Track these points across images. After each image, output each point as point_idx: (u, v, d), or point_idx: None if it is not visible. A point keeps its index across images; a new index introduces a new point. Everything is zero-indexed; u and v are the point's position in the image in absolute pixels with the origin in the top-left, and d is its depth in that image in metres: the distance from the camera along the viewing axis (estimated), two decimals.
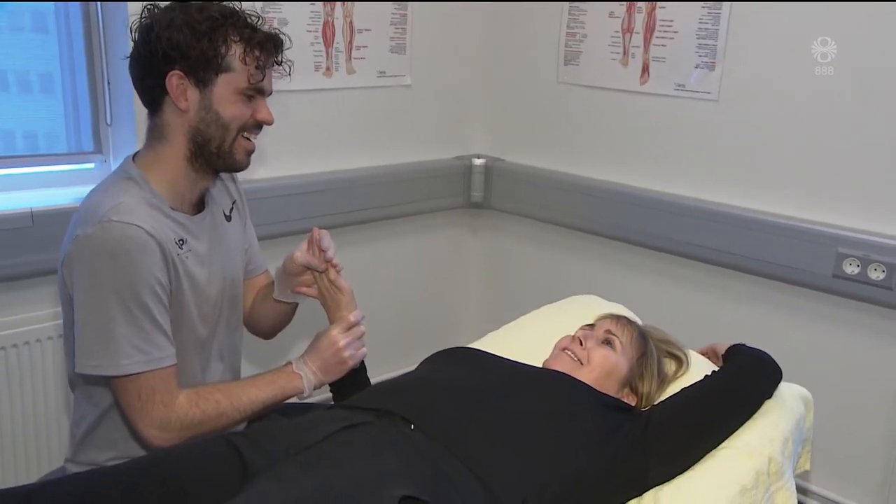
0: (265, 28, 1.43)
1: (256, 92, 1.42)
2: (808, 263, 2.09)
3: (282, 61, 1.46)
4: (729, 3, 2.19)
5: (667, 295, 2.44)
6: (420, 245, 2.81)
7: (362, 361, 1.54)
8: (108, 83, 2.09)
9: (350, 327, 1.50)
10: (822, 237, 2.06)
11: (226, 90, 1.37)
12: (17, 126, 2.12)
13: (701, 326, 2.28)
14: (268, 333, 1.73)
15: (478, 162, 2.79)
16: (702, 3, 2.25)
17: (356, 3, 2.41)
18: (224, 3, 1.42)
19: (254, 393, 1.40)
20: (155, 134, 1.42)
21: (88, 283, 1.29)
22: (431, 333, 2.84)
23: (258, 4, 2.13)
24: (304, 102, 2.35)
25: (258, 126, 1.45)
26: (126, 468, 1.15)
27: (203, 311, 1.45)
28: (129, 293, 1.29)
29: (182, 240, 1.40)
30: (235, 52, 1.36)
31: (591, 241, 2.60)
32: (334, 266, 1.52)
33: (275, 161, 2.32)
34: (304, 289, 1.57)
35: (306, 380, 1.45)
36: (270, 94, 1.46)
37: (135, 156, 1.45)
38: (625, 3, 2.40)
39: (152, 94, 1.38)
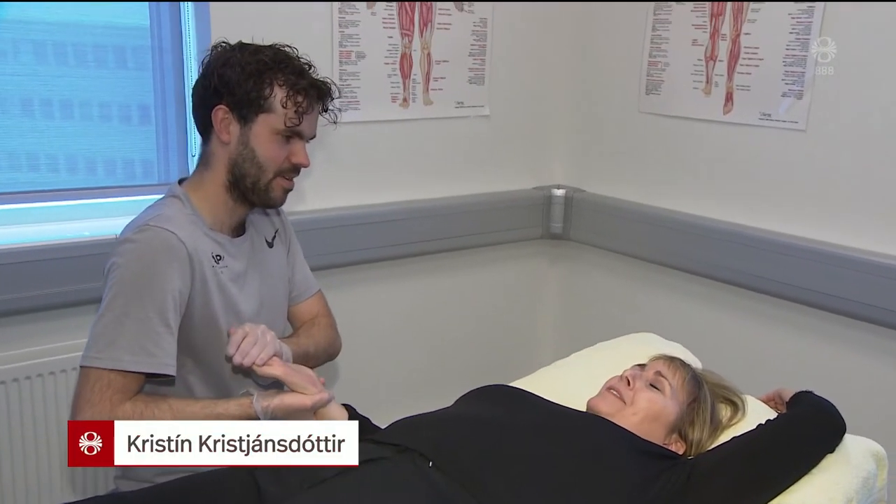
0: (315, 76, 1.49)
1: (294, 135, 1.47)
2: None
3: (328, 109, 1.52)
4: (819, 28, 2.08)
5: (747, 334, 2.32)
6: (497, 276, 2.78)
7: (355, 412, 1.51)
8: None
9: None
10: None
11: (264, 129, 1.44)
12: (118, 155, 2.28)
13: (776, 369, 2.16)
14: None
15: (558, 192, 2.75)
16: (789, 29, 2.14)
17: (434, 36, 2.44)
18: (281, 48, 1.50)
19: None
20: (202, 160, 1.51)
21: (113, 279, 1.35)
22: (506, 365, 2.80)
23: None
24: (379, 133, 2.40)
25: (295, 169, 1.51)
26: (140, 494, 1.18)
27: None
28: (147, 292, 1.33)
29: (219, 255, 1.46)
30: (277, 94, 1.44)
31: (672, 276, 2.50)
32: (246, 367, 1.38)
33: (352, 190, 2.37)
34: None
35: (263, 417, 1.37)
36: (312, 138, 1.52)
37: (182, 180, 1.54)
38: (708, 31, 2.32)
39: (203, 123, 1.49)
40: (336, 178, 2.32)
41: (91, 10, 2.07)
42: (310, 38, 2.21)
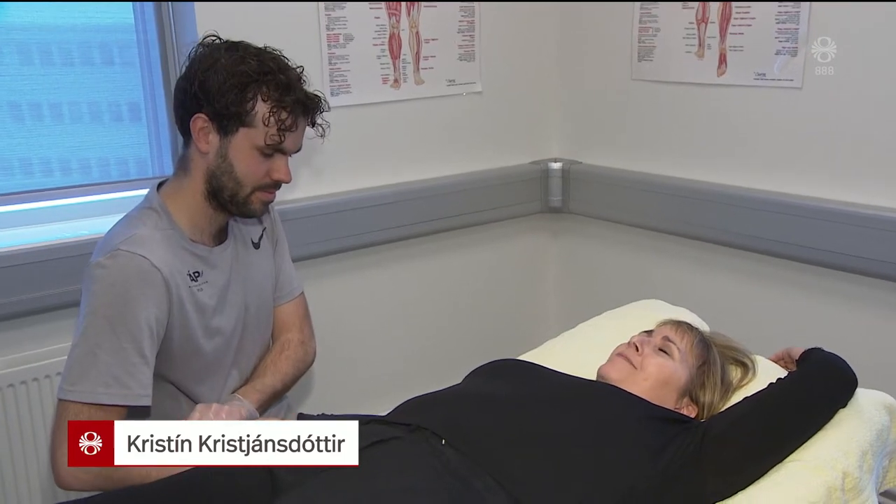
0: (305, 87, 1.41)
1: (276, 151, 1.40)
2: None
3: (316, 123, 1.44)
4: None
5: (752, 295, 2.31)
6: (499, 252, 2.77)
7: None
8: None
9: None
10: None
11: (244, 143, 1.37)
12: (111, 154, 2.26)
13: (784, 329, 2.15)
14: None
15: (555, 166, 2.73)
16: None
17: (422, 14, 2.42)
18: (270, 54, 1.40)
19: None
20: (181, 164, 1.44)
21: (86, 307, 1.31)
22: (513, 340, 2.79)
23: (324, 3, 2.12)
24: (372, 115, 2.38)
25: (276, 184, 1.44)
26: (155, 486, 1.18)
27: (215, 344, 1.45)
28: (120, 322, 1.29)
29: (197, 272, 1.41)
30: (260, 110, 1.35)
31: (674, 243, 2.49)
32: None
33: (347, 174, 2.36)
34: None
35: None
36: (297, 151, 1.45)
37: (162, 184, 1.47)
38: None
39: (183, 125, 1.41)
40: (330, 164, 2.30)
41: (73, 10, 2.05)
42: (296, 22, 2.19)
